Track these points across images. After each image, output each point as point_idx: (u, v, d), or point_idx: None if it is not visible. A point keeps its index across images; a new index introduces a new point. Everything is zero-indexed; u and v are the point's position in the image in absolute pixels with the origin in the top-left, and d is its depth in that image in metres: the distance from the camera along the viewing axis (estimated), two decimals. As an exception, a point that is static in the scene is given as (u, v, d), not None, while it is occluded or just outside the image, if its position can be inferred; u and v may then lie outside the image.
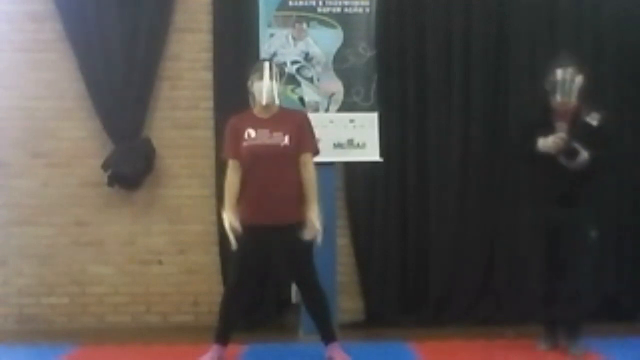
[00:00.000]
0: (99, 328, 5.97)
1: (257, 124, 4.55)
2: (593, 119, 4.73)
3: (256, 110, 4.62)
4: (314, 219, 4.48)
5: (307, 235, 4.47)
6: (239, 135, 4.54)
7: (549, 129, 4.76)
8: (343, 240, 5.99)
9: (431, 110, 6.02)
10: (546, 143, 4.70)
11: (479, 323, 5.73)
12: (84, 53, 5.94)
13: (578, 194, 4.76)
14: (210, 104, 6.04)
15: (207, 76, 6.06)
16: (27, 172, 6.04)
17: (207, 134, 6.05)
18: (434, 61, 6.02)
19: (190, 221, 6.09)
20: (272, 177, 4.43)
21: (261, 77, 4.55)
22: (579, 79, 4.78)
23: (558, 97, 4.77)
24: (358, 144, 5.63)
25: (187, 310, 6.07)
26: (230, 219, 4.48)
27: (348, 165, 5.91)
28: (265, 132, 4.50)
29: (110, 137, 5.95)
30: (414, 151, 6.02)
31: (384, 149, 5.68)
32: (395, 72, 6.00)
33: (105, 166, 5.93)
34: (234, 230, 4.47)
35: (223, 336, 4.60)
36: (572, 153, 4.63)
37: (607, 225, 6.02)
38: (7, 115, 6.04)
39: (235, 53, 5.93)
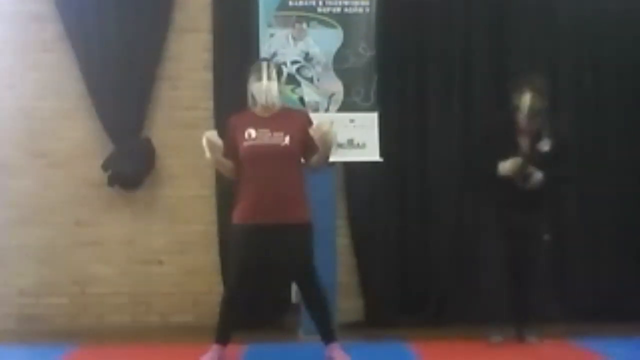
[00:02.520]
0: (99, 328, 5.96)
1: (258, 123, 4.54)
2: (545, 145, 4.96)
3: (257, 110, 4.61)
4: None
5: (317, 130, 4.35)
6: (237, 136, 4.53)
7: (510, 144, 4.98)
8: (343, 240, 6.00)
9: (431, 110, 6.03)
10: (504, 167, 4.94)
11: (479, 323, 5.72)
12: (84, 53, 5.94)
13: (534, 202, 5.01)
14: (210, 104, 6.04)
15: (207, 76, 6.06)
16: (27, 172, 6.04)
17: (207, 134, 6.04)
18: (434, 61, 6.03)
19: (190, 221, 6.09)
20: (272, 177, 4.42)
21: (259, 78, 4.53)
22: (544, 103, 4.96)
23: (524, 118, 4.96)
24: (358, 144, 5.62)
25: (187, 310, 6.07)
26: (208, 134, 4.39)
27: (348, 165, 5.90)
28: (266, 132, 4.49)
29: (110, 137, 5.96)
30: (414, 151, 6.02)
31: (384, 149, 5.68)
32: (395, 72, 6.01)
33: (105, 166, 5.93)
34: (211, 142, 4.34)
35: (223, 336, 4.60)
36: (525, 177, 4.92)
37: (607, 225, 6.08)
38: (7, 115, 6.04)
39: (235, 53, 5.93)
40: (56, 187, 6.05)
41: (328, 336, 4.61)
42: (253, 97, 4.61)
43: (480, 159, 5.16)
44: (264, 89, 4.49)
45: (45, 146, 6.05)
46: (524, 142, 5.02)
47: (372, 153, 5.63)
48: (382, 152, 5.66)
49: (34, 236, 6.02)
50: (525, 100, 4.92)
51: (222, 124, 5.91)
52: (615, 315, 5.85)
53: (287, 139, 4.46)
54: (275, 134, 4.47)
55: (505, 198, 5.01)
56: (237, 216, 4.51)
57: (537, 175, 4.92)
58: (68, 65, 6.00)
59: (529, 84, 4.97)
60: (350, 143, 5.62)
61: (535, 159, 4.94)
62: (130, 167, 5.90)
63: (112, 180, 5.92)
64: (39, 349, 5.22)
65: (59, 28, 5.98)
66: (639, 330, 5.44)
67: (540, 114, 4.95)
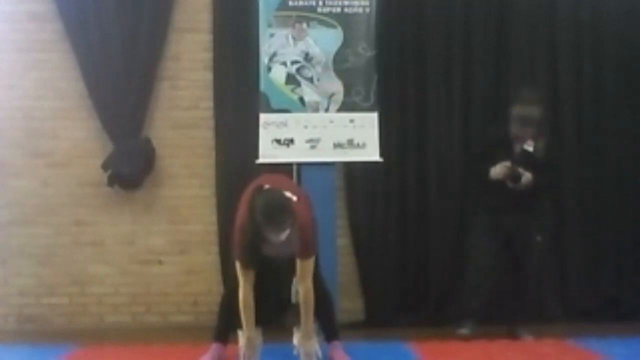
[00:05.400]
0: (99, 328, 5.97)
1: (269, 243, 4.24)
2: (529, 146, 5.20)
3: (264, 234, 4.18)
4: (310, 346, 4.34)
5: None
6: (254, 247, 4.26)
7: (505, 153, 5.20)
8: (343, 240, 6.00)
9: (431, 111, 6.03)
10: (495, 171, 5.16)
11: (479, 323, 5.72)
12: (84, 53, 5.94)
13: (526, 204, 5.20)
14: (210, 104, 6.04)
15: (207, 76, 6.06)
16: (27, 172, 6.04)
17: (207, 134, 6.05)
18: (434, 61, 6.04)
19: (190, 221, 6.09)
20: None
21: (271, 233, 4.10)
22: (538, 114, 5.17)
23: (516, 131, 5.20)
24: (358, 144, 5.62)
25: (187, 310, 6.07)
26: (250, 335, 4.33)
27: (348, 165, 5.91)
28: (276, 250, 4.28)
29: (110, 137, 5.95)
30: (414, 151, 6.03)
31: (384, 149, 5.67)
32: (395, 72, 6.01)
33: (105, 166, 5.93)
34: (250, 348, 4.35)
35: (223, 334, 4.59)
36: (515, 178, 5.13)
37: (606, 225, 6.08)
38: (7, 115, 6.04)
39: (235, 53, 5.94)
40: (56, 187, 6.05)
41: (331, 334, 4.60)
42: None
43: (476, 168, 5.34)
44: (274, 242, 4.17)
45: (45, 146, 6.05)
46: (515, 148, 5.23)
47: (372, 153, 5.62)
48: (382, 152, 5.66)
49: (34, 236, 6.02)
50: (518, 111, 5.17)
51: (222, 124, 5.95)
52: (615, 315, 5.86)
53: (292, 254, 4.32)
54: (282, 251, 4.29)
55: (497, 203, 5.19)
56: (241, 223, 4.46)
57: (527, 176, 5.11)
58: (68, 65, 6.00)
59: (524, 94, 5.23)
60: (350, 143, 5.61)
61: (523, 160, 5.13)
62: (130, 167, 5.89)
63: (112, 180, 5.92)
64: (39, 349, 5.20)
65: (59, 28, 5.98)
66: (639, 330, 5.44)
67: (534, 124, 5.15)
